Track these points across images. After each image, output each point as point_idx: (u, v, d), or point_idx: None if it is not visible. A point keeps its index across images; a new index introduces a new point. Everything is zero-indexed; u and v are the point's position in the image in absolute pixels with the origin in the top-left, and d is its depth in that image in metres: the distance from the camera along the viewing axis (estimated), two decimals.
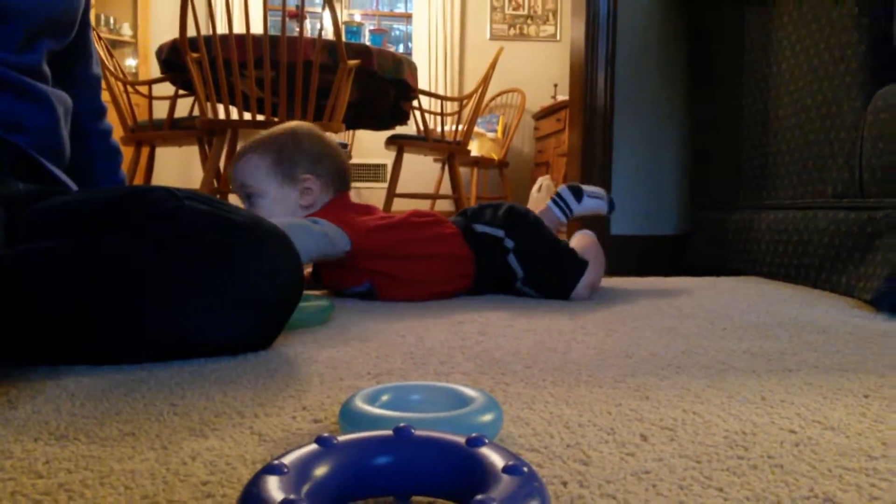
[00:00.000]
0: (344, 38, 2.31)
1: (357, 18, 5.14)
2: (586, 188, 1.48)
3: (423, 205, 4.64)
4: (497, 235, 1.27)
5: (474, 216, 1.32)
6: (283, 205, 1.19)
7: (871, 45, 1.35)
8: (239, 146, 1.27)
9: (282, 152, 1.20)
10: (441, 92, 5.08)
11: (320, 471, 0.34)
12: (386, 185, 3.21)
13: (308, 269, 1.32)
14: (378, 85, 2.70)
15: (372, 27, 4.60)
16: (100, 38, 2.83)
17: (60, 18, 0.92)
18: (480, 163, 4.37)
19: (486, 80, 3.20)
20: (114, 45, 4.62)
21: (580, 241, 1.39)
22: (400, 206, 3.00)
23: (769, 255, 1.67)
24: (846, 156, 1.40)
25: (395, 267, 1.20)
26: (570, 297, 1.25)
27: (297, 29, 2.28)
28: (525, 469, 0.33)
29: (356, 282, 1.23)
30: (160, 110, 3.01)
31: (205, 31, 2.23)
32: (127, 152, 2.34)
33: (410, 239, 1.21)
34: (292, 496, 0.29)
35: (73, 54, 1.02)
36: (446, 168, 3.58)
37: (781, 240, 1.62)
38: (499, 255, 1.27)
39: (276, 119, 2.27)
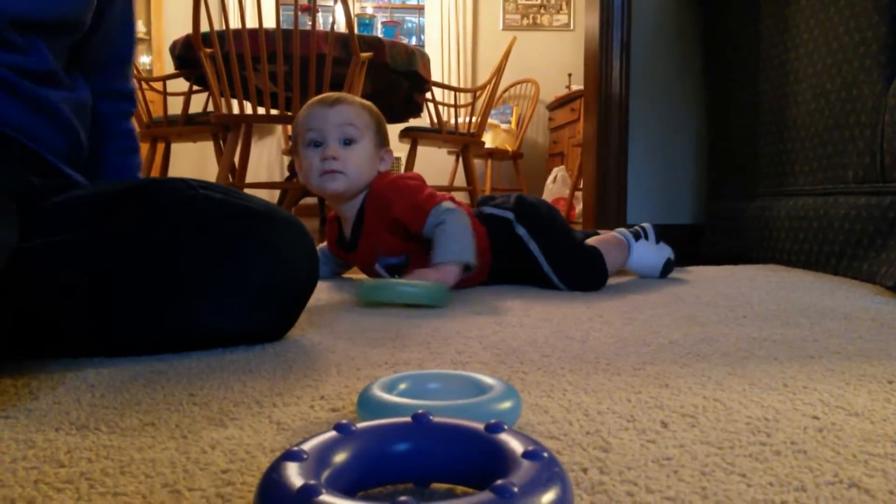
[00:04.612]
0: (356, 31, 2.30)
1: (369, 11, 5.13)
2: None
3: None
4: (506, 217, 1.27)
5: (483, 201, 1.34)
6: (370, 160, 1.24)
7: (891, 27, 1.33)
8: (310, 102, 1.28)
9: (381, 120, 1.29)
10: (454, 83, 5.06)
11: (339, 457, 0.34)
12: None
13: (320, 246, 1.33)
14: (391, 77, 2.69)
15: (384, 19, 4.59)
16: None
17: (52, 21, 0.87)
18: (495, 154, 4.35)
19: (499, 70, 3.18)
20: None
21: (601, 237, 1.39)
22: None
23: (788, 242, 1.65)
24: (867, 140, 1.38)
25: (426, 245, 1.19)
26: (599, 287, 1.26)
27: (310, 22, 2.28)
28: (545, 454, 0.32)
29: (397, 250, 1.23)
30: (175, 106, 3.03)
31: (218, 26, 2.23)
32: (142, 148, 2.35)
33: None
34: (312, 481, 0.29)
35: (94, 46, 0.99)
36: (460, 160, 3.57)
37: (801, 227, 1.59)
38: (510, 237, 1.26)
39: (289, 113, 2.27)
